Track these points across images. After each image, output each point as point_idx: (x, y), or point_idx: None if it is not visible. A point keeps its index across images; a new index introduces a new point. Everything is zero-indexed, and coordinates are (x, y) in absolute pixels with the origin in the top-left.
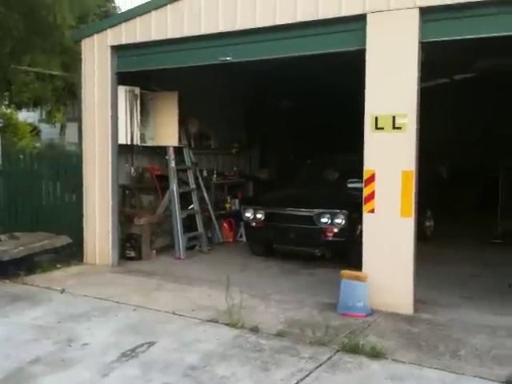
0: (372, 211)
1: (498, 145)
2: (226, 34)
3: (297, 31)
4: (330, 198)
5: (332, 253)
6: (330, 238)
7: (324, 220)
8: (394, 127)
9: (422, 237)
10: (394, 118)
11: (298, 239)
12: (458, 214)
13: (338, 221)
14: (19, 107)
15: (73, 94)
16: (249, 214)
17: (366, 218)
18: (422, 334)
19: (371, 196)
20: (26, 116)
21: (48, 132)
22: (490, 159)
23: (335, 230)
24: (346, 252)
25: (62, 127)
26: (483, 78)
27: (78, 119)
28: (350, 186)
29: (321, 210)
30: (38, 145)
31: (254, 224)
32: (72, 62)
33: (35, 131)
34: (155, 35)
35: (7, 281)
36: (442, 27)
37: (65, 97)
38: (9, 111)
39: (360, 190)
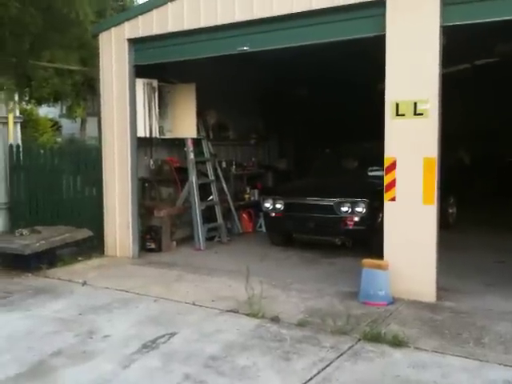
0: (393, 199)
1: None
2: (242, 24)
3: (314, 18)
4: (351, 186)
5: (352, 241)
6: (351, 227)
7: (344, 209)
8: (415, 113)
9: (445, 224)
10: (415, 104)
11: (318, 228)
12: (480, 201)
13: (358, 209)
14: (39, 103)
15: (92, 89)
16: (268, 205)
17: (388, 206)
18: (444, 322)
19: (392, 184)
20: (46, 111)
21: (69, 127)
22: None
23: (356, 219)
24: (367, 240)
25: (83, 122)
26: (505, 64)
27: (98, 113)
28: (370, 174)
29: (341, 199)
30: (59, 140)
31: (273, 214)
32: (90, 57)
33: (56, 126)
34: (172, 27)
35: (29, 274)
36: (464, 10)
37: (84, 91)
38: (29, 107)
39: (381, 178)
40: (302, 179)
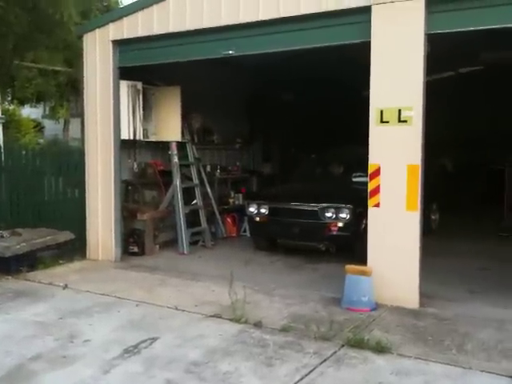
0: (377, 205)
1: (503, 138)
2: (228, 28)
3: (300, 24)
4: (335, 192)
5: (336, 247)
6: (335, 233)
7: (328, 214)
8: (399, 120)
9: (428, 230)
10: (399, 111)
11: (303, 234)
12: (463, 208)
13: (342, 215)
14: (22, 103)
15: (76, 90)
16: (252, 209)
17: (372, 212)
18: (427, 329)
19: (376, 190)
20: (29, 112)
21: (52, 128)
22: (496, 152)
23: (340, 225)
24: (351, 246)
25: (66, 123)
26: (489, 71)
27: (81, 115)
28: (354, 180)
29: (325, 205)
30: (41, 141)
31: (257, 219)
32: (75, 58)
33: (39, 127)
34: (157, 29)
35: (9, 277)
36: (448, 18)
37: (68, 92)
38: (12, 107)
39: (365, 184)
40: (286, 184)
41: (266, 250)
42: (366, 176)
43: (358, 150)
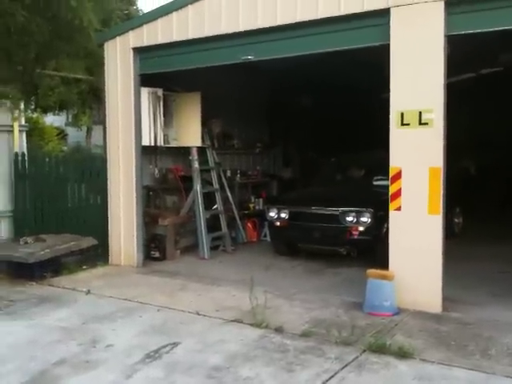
0: (399, 209)
1: None
2: (246, 33)
3: (318, 28)
4: (356, 196)
5: (358, 251)
6: (356, 237)
7: (349, 219)
8: (420, 123)
9: (451, 234)
10: (420, 113)
11: (323, 238)
12: (486, 211)
13: (363, 219)
14: (45, 111)
15: (98, 98)
16: (273, 214)
17: (393, 216)
18: (451, 333)
19: (398, 193)
20: (52, 120)
21: (75, 135)
22: None
23: (361, 229)
24: (372, 250)
25: (88, 130)
26: (510, 72)
27: (103, 122)
28: (375, 183)
29: (346, 209)
30: (64, 148)
31: (278, 223)
32: (96, 66)
33: (62, 134)
34: (177, 36)
35: (34, 283)
36: (468, 20)
37: (90, 100)
38: (35, 115)
39: (386, 187)
40: (306, 188)
41: (286, 254)
42: (387, 179)
43: (378, 153)
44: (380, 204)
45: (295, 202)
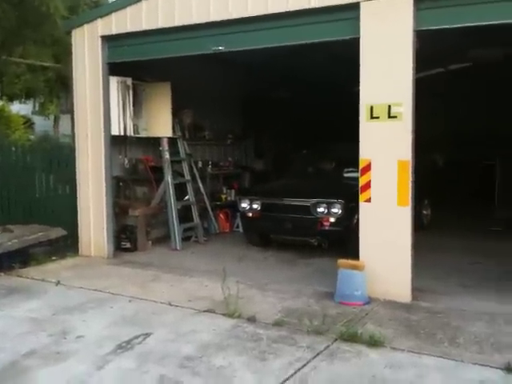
0: (368, 200)
1: (494, 133)
2: (217, 24)
3: (289, 20)
4: (327, 187)
5: (329, 242)
6: (327, 228)
7: (320, 210)
8: (389, 116)
9: (420, 225)
10: (389, 106)
11: (295, 229)
12: (455, 203)
13: (334, 210)
14: (11, 99)
15: (65, 86)
16: (245, 205)
17: (363, 207)
18: (420, 322)
19: (367, 185)
20: (18, 108)
21: (42, 124)
22: (487, 148)
23: (332, 220)
24: (343, 241)
25: (56, 119)
26: (479, 68)
27: (71, 111)
28: (346, 175)
29: (317, 200)
30: (31, 137)
31: (250, 214)
32: (63, 54)
33: (28, 123)
34: (146, 25)
35: (2, 274)
36: (437, 15)
37: (58, 88)
38: (1, 103)
39: (356, 179)
40: (278, 180)
41: (258, 245)
42: (358, 171)
43: (349, 146)
44: (351, 195)
45: (267, 194)
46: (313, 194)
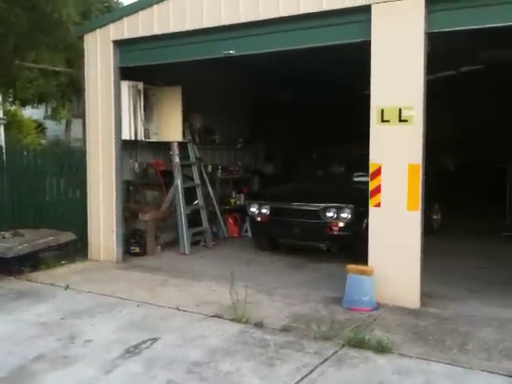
0: (378, 205)
1: (505, 136)
2: (228, 27)
3: (300, 23)
4: (336, 192)
5: (338, 247)
6: (336, 233)
7: (330, 214)
8: (400, 120)
9: (430, 230)
10: (400, 110)
11: (304, 234)
12: (466, 207)
13: (343, 215)
14: (24, 104)
15: (77, 91)
16: (254, 209)
17: (372, 211)
18: (428, 328)
19: (377, 190)
20: (30, 113)
21: (53, 129)
22: (499, 151)
23: (341, 225)
24: (352, 246)
25: (68, 123)
26: (489, 70)
27: (83, 115)
28: (355, 179)
29: (326, 205)
30: (43, 141)
31: (259, 219)
32: (76, 58)
33: (40, 128)
34: (157, 29)
35: (11, 278)
36: (448, 17)
37: (69, 93)
38: (13, 108)
39: (366, 183)
40: (288, 184)
41: (267, 249)
42: (367, 176)
43: (359, 150)
44: (360, 200)
45: (276, 198)
46: (322, 199)
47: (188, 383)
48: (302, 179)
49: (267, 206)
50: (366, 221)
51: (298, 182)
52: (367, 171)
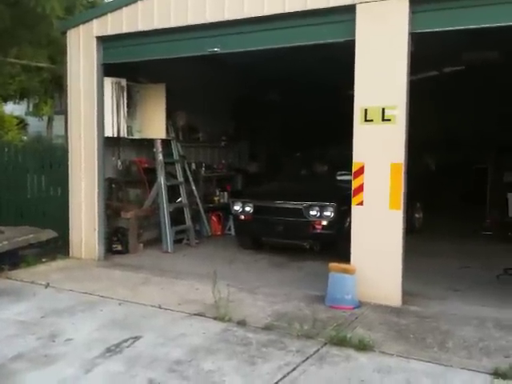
0: (361, 204)
1: (486, 137)
2: (213, 25)
3: (285, 22)
4: (319, 190)
5: (321, 245)
6: (319, 231)
7: (313, 213)
8: (383, 119)
9: (411, 229)
10: (383, 109)
11: (287, 232)
12: (447, 206)
13: (326, 213)
14: (5, 100)
15: (60, 87)
16: (237, 207)
17: (355, 210)
18: (410, 326)
19: (360, 188)
20: (12, 109)
21: (35, 125)
22: (479, 151)
23: (324, 223)
24: (335, 245)
25: (50, 120)
26: (472, 71)
27: (65, 112)
28: (338, 178)
29: (310, 203)
30: (25, 138)
31: (242, 217)
32: (58, 54)
33: (22, 124)
34: (142, 26)
35: None
36: (432, 18)
37: (52, 89)
38: None
39: (349, 182)
40: (271, 183)
41: (250, 248)
42: (351, 174)
43: (342, 149)
44: (343, 199)
45: (260, 196)
46: (305, 197)
47: (169, 382)
48: (285, 178)
49: (251, 205)
50: (349, 219)
51: (282, 181)
52: (350, 170)
